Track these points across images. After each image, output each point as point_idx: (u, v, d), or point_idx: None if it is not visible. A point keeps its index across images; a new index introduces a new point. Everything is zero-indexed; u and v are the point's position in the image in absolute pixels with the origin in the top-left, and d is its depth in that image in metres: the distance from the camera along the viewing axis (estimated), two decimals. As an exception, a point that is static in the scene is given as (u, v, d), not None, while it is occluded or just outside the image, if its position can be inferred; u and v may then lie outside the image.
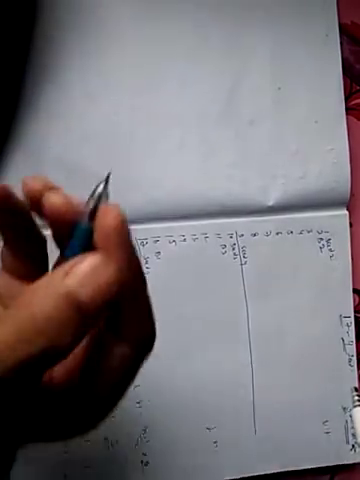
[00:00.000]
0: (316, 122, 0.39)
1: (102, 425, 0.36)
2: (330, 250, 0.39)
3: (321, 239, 0.39)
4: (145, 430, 0.39)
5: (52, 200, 0.23)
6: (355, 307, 0.40)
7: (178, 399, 0.39)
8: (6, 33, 0.36)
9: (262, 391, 0.39)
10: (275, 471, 0.39)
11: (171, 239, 0.39)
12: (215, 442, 0.39)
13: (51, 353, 0.20)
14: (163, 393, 0.39)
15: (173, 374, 0.39)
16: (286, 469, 0.39)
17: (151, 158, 0.39)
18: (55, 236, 0.24)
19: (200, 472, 0.39)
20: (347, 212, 0.39)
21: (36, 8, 0.38)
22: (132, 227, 0.38)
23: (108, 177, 0.25)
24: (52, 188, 0.24)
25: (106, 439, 0.39)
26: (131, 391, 0.37)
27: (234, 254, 0.39)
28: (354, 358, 0.39)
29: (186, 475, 0.39)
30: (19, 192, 0.41)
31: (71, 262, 0.21)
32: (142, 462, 0.39)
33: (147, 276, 0.38)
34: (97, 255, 0.21)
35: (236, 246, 0.39)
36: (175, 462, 0.39)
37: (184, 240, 0.39)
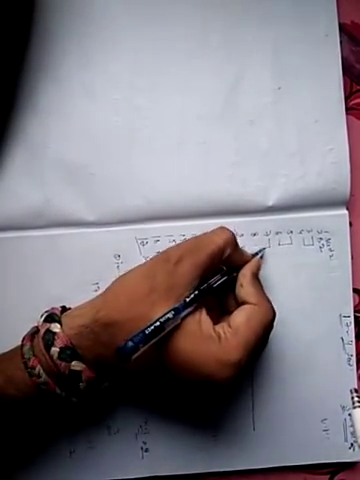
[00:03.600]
0: (316, 122, 0.39)
1: (104, 414, 0.39)
2: (330, 250, 0.39)
3: (321, 239, 0.39)
4: (146, 422, 0.39)
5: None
6: (355, 307, 0.40)
7: (178, 395, 0.39)
8: (3, 30, 0.36)
9: (261, 389, 0.39)
10: (273, 466, 0.39)
11: (171, 239, 0.39)
12: (214, 436, 0.39)
13: None
14: (163, 389, 0.39)
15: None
16: (284, 464, 0.39)
17: (151, 158, 0.39)
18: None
19: (198, 462, 0.39)
20: (347, 212, 0.39)
21: (34, 5, 0.38)
22: (132, 227, 0.39)
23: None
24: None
25: (109, 427, 0.39)
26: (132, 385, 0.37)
27: (234, 254, 0.39)
28: (353, 358, 0.39)
29: (184, 464, 0.39)
30: (17, 192, 0.41)
31: None
32: (142, 449, 0.39)
33: (146, 276, 0.39)
34: None
35: (236, 246, 0.39)
36: (174, 452, 0.39)
37: (184, 240, 0.39)
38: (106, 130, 0.39)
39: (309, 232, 0.39)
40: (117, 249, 0.39)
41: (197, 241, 0.34)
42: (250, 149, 0.39)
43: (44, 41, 0.39)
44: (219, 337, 0.31)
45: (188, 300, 0.32)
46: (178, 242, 0.39)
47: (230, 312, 0.34)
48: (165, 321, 0.30)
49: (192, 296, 0.32)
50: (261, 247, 0.39)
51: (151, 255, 0.38)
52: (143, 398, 0.39)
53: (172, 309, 0.31)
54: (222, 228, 0.35)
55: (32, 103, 0.39)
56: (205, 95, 0.39)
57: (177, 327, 0.31)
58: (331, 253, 0.39)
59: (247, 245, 0.39)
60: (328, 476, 0.40)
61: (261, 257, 0.38)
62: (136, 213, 0.39)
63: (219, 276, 0.35)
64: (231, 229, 0.39)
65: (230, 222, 0.39)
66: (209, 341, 0.31)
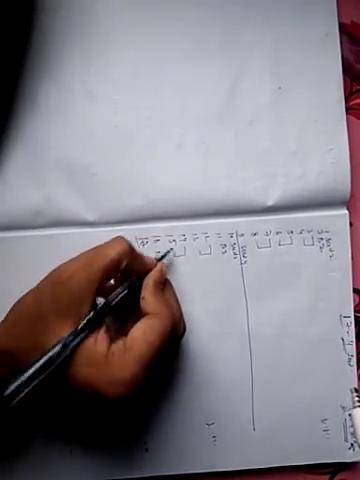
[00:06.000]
0: (316, 122, 0.39)
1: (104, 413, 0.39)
2: (330, 250, 0.39)
3: (321, 239, 0.39)
4: (146, 422, 0.39)
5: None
6: (355, 307, 0.40)
7: (178, 395, 0.39)
8: (3, 30, 0.36)
9: (261, 389, 0.39)
10: (273, 466, 0.39)
11: (171, 238, 0.39)
12: (214, 437, 0.39)
13: None
14: (163, 389, 0.39)
15: (173, 371, 0.39)
16: (284, 464, 0.39)
17: (151, 158, 0.39)
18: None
19: (198, 462, 0.39)
20: (347, 212, 0.39)
21: (34, 5, 0.38)
22: (132, 227, 0.39)
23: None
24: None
25: (109, 427, 0.39)
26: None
27: (234, 254, 0.39)
28: (354, 358, 0.39)
29: (184, 464, 0.39)
30: (17, 192, 0.41)
31: None
32: (142, 448, 0.39)
33: (146, 276, 0.39)
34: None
35: (236, 246, 0.39)
36: (174, 452, 0.39)
37: (184, 240, 0.39)
38: (106, 130, 0.39)
39: (309, 232, 0.39)
40: (117, 249, 0.39)
41: (90, 255, 0.33)
42: (250, 149, 0.39)
43: (44, 41, 0.39)
44: (113, 355, 0.31)
45: (79, 328, 0.31)
46: (178, 242, 0.39)
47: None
48: (49, 360, 0.29)
49: (84, 322, 0.31)
50: (168, 248, 0.38)
51: (151, 255, 0.39)
52: (143, 398, 0.39)
53: (60, 343, 0.30)
54: (117, 239, 0.34)
55: (33, 103, 0.39)
56: (205, 95, 0.39)
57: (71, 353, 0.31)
58: (331, 253, 0.39)
59: (247, 245, 0.39)
60: (328, 476, 0.40)
61: (166, 258, 0.38)
62: (136, 213, 0.39)
63: (120, 290, 0.34)
64: (231, 229, 0.39)
65: (230, 222, 0.39)
66: (102, 363, 0.31)
